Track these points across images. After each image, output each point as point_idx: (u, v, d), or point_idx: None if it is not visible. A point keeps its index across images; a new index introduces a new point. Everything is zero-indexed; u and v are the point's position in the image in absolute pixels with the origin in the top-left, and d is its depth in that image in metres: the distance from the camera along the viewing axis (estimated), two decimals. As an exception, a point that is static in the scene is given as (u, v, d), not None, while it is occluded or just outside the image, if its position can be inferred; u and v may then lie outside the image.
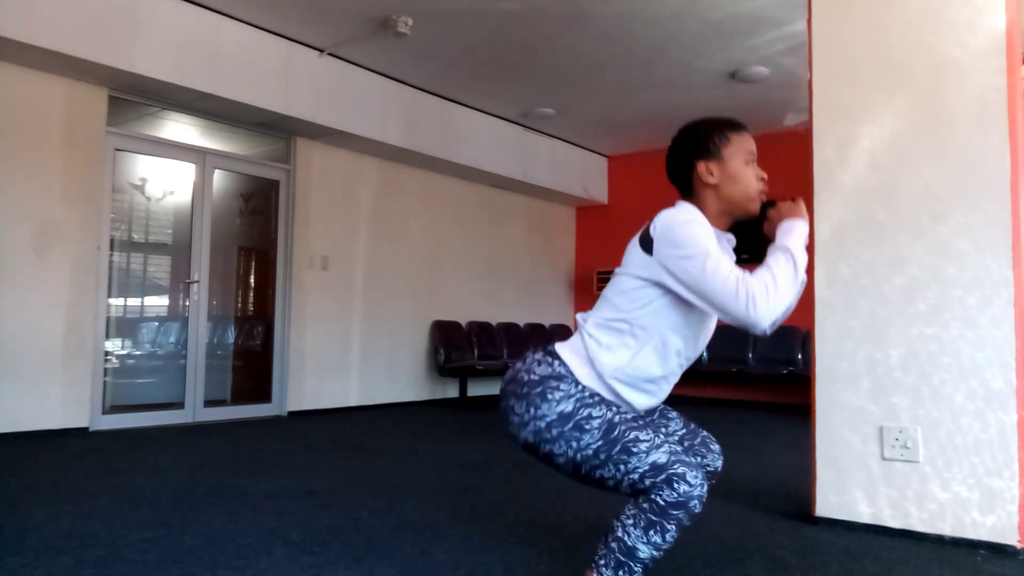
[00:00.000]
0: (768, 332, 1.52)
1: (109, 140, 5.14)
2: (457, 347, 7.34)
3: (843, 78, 2.85)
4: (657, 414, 1.83)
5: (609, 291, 1.71)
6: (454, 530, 2.61)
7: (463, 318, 7.66)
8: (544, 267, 8.78)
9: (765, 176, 1.74)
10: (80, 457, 3.99)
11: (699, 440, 1.82)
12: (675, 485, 1.51)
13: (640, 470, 1.54)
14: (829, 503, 2.77)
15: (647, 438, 1.57)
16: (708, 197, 1.71)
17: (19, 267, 4.62)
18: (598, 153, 8.85)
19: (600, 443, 1.57)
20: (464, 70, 6.25)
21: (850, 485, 2.72)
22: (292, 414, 6.03)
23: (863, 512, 2.69)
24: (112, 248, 5.25)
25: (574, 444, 1.59)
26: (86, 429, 4.88)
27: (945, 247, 2.59)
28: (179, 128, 5.76)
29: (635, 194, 8.54)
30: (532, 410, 1.62)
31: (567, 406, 1.60)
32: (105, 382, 5.14)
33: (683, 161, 1.74)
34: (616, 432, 1.57)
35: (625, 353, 1.64)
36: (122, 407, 5.31)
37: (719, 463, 1.83)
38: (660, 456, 1.54)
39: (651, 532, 1.52)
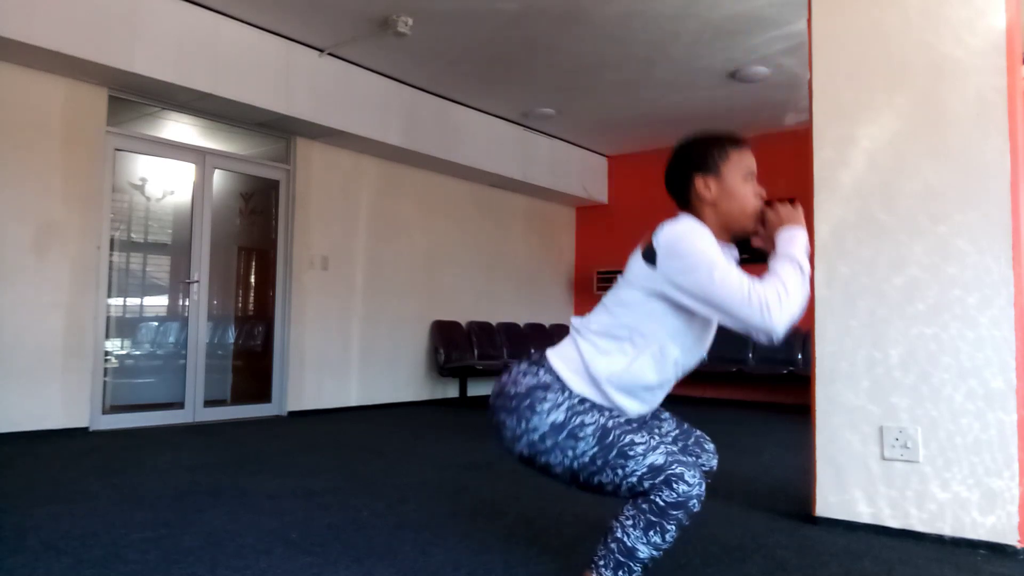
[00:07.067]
0: (781, 339, 1.50)
1: (109, 140, 5.14)
2: (457, 347, 7.34)
3: (843, 78, 2.85)
4: (650, 415, 1.81)
5: (609, 300, 1.68)
6: (454, 530, 2.61)
7: (463, 318, 7.66)
8: (544, 267, 8.78)
9: (764, 193, 1.71)
10: (80, 457, 3.99)
11: (692, 440, 1.81)
12: (674, 485, 1.51)
13: (638, 473, 1.53)
14: (829, 503, 2.77)
15: (642, 440, 1.56)
16: (706, 212, 1.69)
17: (19, 267, 4.62)
18: (598, 153, 8.85)
19: (596, 449, 1.56)
20: (464, 70, 6.25)
21: (850, 485, 2.72)
22: (292, 414, 6.03)
23: (863, 512, 2.69)
24: (112, 248, 5.25)
25: (570, 453, 1.57)
26: (86, 429, 4.88)
27: (945, 247, 2.59)
28: (179, 128, 5.76)
29: (635, 194, 8.54)
30: (523, 423, 1.60)
31: (558, 416, 1.58)
32: (105, 382, 5.14)
33: (681, 175, 1.72)
34: (611, 437, 1.56)
35: (622, 360, 1.62)
36: (122, 407, 5.31)
37: (714, 462, 1.82)
38: (657, 458, 1.53)
39: (651, 532, 1.52)
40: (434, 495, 3.17)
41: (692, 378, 7.25)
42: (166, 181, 5.74)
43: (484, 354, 7.55)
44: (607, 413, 1.61)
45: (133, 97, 5.25)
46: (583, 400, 1.62)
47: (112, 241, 5.24)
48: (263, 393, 6.07)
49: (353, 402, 6.54)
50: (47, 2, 4.41)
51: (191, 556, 2.27)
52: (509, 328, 8.07)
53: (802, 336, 7.12)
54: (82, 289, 4.90)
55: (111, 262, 5.23)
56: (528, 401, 1.61)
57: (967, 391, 2.52)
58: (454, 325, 7.51)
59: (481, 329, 7.75)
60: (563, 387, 1.62)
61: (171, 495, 3.08)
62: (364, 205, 6.75)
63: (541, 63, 6.01)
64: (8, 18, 4.25)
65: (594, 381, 1.63)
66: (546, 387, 1.62)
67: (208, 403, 5.70)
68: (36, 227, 4.71)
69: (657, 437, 1.60)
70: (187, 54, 5.05)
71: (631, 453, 1.54)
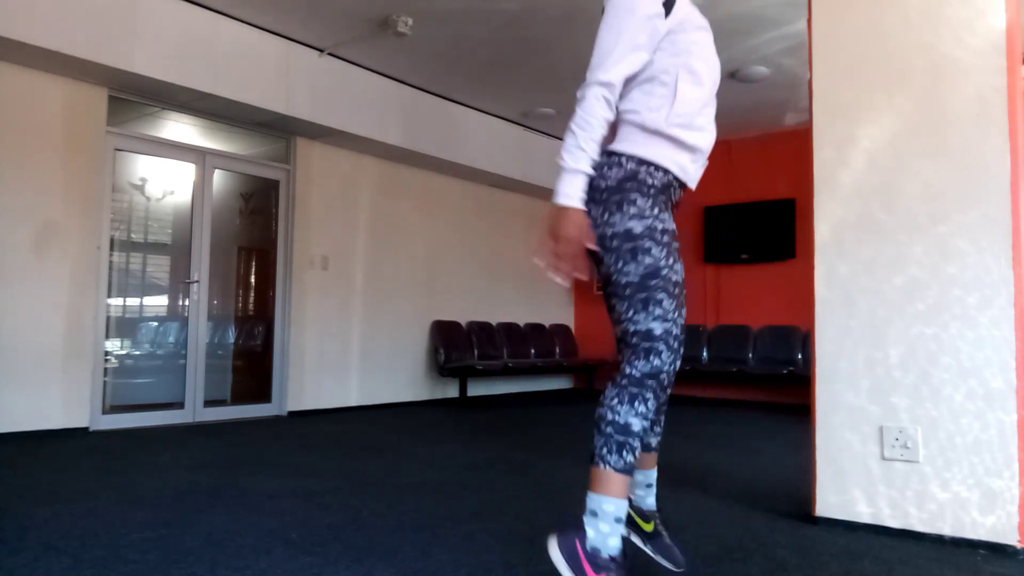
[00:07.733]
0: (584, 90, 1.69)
1: (109, 140, 5.14)
2: (457, 347, 7.34)
3: (843, 78, 2.85)
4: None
5: None
6: (454, 530, 2.61)
7: (463, 318, 7.66)
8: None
9: None
10: (80, 457, 3.99)
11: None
12: (650, 357, 1.68)
13: (638, 327, 1.68)
14: (829, 503, 2.77)
15: (668, 307, 1.68)
16: None
17: (19, 267, 4.62)
18: (598, 153, 8.84)
19: (636, 280, 1.68)
20: (464, 70, 6.25)
21: (850, 485, 2.72)
22: (292, 414, 6.03)
23: (863, 512, 2.69)
24: (112, 248, 5.25)
25: (620, 264, 1.70)
26: (86, 429, 4.88)
27: (945, 247, 2.59)
28: (179, 128, 5.76)
29: (635, 194, 8.52)
30: (606, 216, 1.71)
31: (636, 226, 1.69)
32: (105, 382, 5.14)
33: None
34: (652, 282, 1.68)
35: (665, 97, 1.73)
36: (122, 407, 5.31)
37: (676, 364, 1.91)
38: (658, 328, 1.68)
39: (636, 403, 1.67)
40: (434, 495, 3.17)
41: (692, 378, 7.24)
42: (166, 181, 5.74)
43: (484, 354, 7.56)
44: (671, 260, 1.71)
45: (133, 97, 5.25)
46: (665, 231, 1.71)
47: (112, 241, 5.24)
48: (263, 393, 6.07)
49: (353, 402, 6.54)
50: (47, 2, 4.41)
51: (191, 556, 2.27)
52: (509, 328, 8.07)
53: (802, 336, 7.12)
54: (82, 289, 4.90)
55: (111, 262, 5.23)
56: (618, 197, 1.71)
57: (967, 391, 2.52)
58: (454, 325, 7.51)
59: (481, 329, 7.75)
60: (646, 179, 1.71)
61: (171, 495, 3.09)
62: (364, 205, 6.75)
63: (541, 63, 6.02)
64: (8, 18, 4.25)
65: (659, 132, 1.72)
66: (633, 178, 1.71)
67: (208, 403, 5.70)
68: (36, 227, 4.71)
69: (677, 316, 1.71)
70: (187, 54, 5.05)
71: (650, 309, 1.68)
